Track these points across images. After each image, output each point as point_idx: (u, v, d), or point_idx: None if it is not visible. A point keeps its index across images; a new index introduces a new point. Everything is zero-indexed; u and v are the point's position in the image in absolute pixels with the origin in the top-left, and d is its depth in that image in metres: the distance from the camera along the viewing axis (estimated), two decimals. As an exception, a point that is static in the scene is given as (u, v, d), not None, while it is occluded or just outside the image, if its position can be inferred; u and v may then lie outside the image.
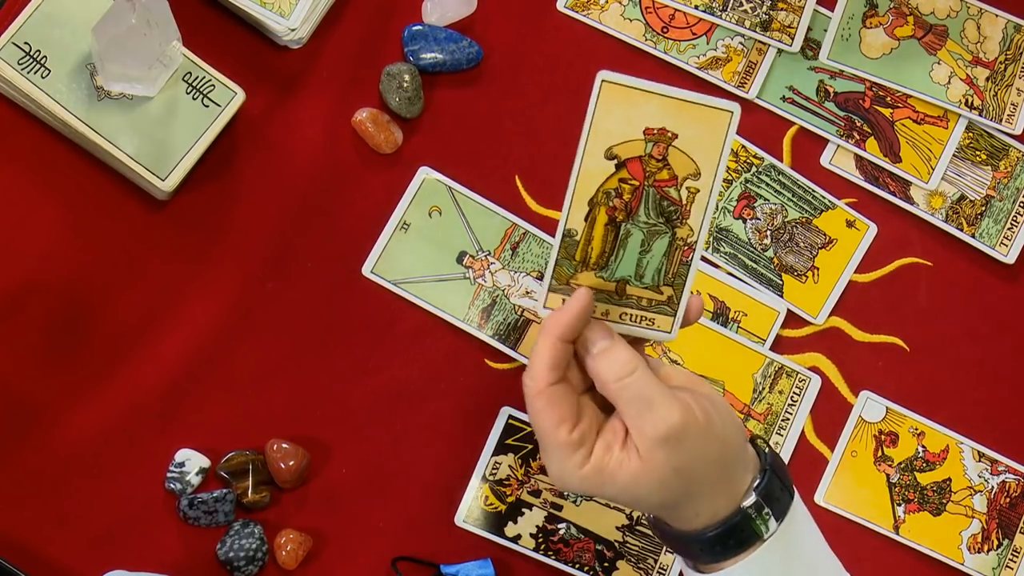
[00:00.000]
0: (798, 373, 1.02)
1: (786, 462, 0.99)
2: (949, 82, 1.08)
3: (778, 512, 0.76)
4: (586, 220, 0.76)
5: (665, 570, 0.98)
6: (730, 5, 1.08)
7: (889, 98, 1.08)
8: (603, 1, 1.08)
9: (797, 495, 0.78)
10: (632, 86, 0.75)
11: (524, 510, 0.97)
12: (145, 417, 0.95)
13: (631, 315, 0.77)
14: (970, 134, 1.08)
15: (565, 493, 0.98)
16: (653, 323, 0.77)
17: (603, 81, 0.75)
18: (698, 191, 0.76)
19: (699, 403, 0.75)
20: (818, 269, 1.05)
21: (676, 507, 0.76)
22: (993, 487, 1.03)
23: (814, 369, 1.03)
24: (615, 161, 0.75)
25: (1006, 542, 1.02)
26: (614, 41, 1.07)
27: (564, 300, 0.76)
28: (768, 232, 1.05)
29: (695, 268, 0.77)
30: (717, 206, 0.96)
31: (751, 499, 0.75)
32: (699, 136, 0.75)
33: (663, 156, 0.75)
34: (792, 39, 1.08)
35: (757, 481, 0.76)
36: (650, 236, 0.76)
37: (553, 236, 1.02)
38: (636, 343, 0.78)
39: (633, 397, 0.73)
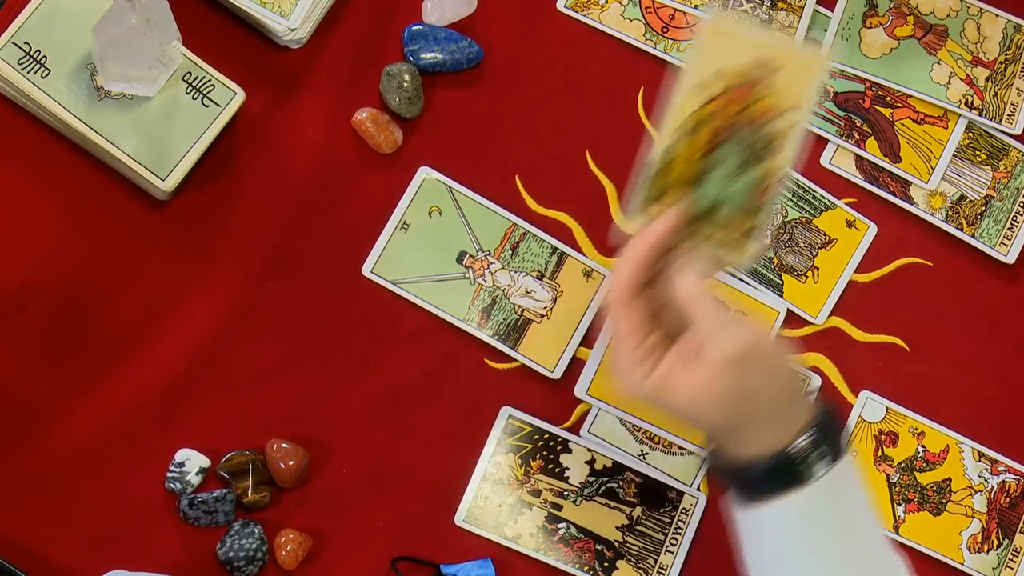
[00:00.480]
0: (798, 373, 1.02)
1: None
2: (949, 82, 1.08)
3: (831, 456, 0.78)
4: (686, 136, 0.79)
5: (665, 570, 0.98)
6: (730, 5, 1.08)
7: (889, 98, 1.08)
8: (603, 1, 1.08)
9: (852, 459, 0.79)
10: (737, 33, 0.79)
11: (524, 510, 0.97)
12: (145, 417, 0.95)
13: (713, 237, 0.80)
14: (970, 134, 1.08)
15: (564, 493, 0.98)
16: (730, 247, 0.80)
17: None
18: (792, 126, 0.78)
19: (767, 334, 0.78)
20: (818, 269, 1.05)
21: (734, 430, 0.78)
22: (993, 487, 1.03)
23: (814, 369, 1.03)
24: (722, 84, 0.78)
25: (1006, 542, 1.02)
26: (614, 41, 1.07)
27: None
28: (768, 232, 1.05)
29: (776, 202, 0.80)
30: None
31: (807, 436, 0.77)
32: (793, 78, 0.78)
33: (763, 88, 0.78)
34: (792, 39, 1.08)
35: (816, 421, 0.78)
36: (744, 162, 0.79)
37: (553, 236, 1.02)
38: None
39: (708, 313, 0.76)
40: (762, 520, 0.79)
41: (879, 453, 1.02)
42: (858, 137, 1.07)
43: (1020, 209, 1.07)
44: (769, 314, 1.03)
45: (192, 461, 0.94)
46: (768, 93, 0.78)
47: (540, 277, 1.01)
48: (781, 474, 0.77)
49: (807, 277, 1.05)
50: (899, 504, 1.01)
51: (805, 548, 0.78)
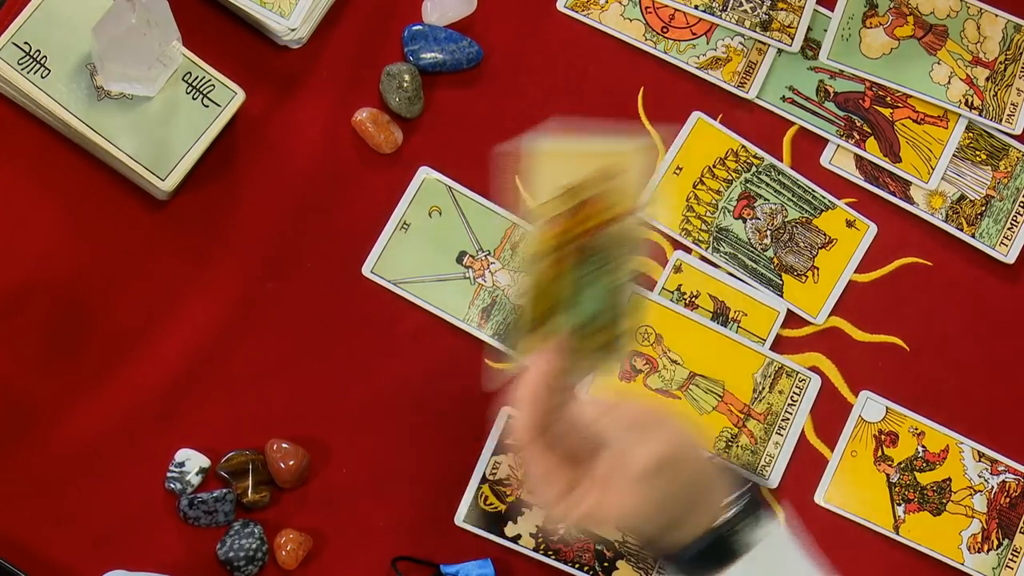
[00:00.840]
0: (798, 373, 1.02)
1: (786, 463, 0.99)
2: (949, 82, 1.08)
3: (759, 520, 0.79)
4: (535, 277, 0.79)
5: (665, 570, 0.98)
6: (730, 5, 1.08)
7: (889, 98, 1.08)
8: (603, 1, 1.08)
9: (780, 520, 0.80)
10: (571, 150, 0.79)
11: (524, 510, 0.97)
12: (145, 417, 0.95)
13: (591, 349, 0.81)
14: (970, 134, 1.08)
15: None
16: (606, 352, 0.81)
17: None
18: (635, 227, 0.79)
19: (676, 437, 0.79)
20: (818, 269, 1.05)
21: (668, 528, 0.78)
22: (993, 487, 1.03)
23: (814, 369, 1.03)
24: (546, 219, 0.78)
25: (1006, 542, 1.02)
26: (614, 41, 1.07)
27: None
28: (768, 232, 1.05)
29: (628, 297, 0.80)
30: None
31: (730, 515, 0.78)
32: (631, 179, 0.78)
33: (585, 209, 0.78)
34: (792, 39, 1.08)
35: (737, 493, 0.79)
36: (608, 270, 0.79)
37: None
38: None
39: (616, 432, 0.78)
40: None
41: (879, 453, 1.02)
42: (858, 137, 1.07)
43: (1020, 209, 1.07)
44: (769, 314, 1.03)
45: (192, 461, 0.94)
46: (612, 202, 0.78)
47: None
48: (717, 551, 0.78)
49: (807, 277, 1.05)
50: (899, 504, 1.01)
51: None
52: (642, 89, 1.06)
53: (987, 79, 1.09)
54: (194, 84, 0.97)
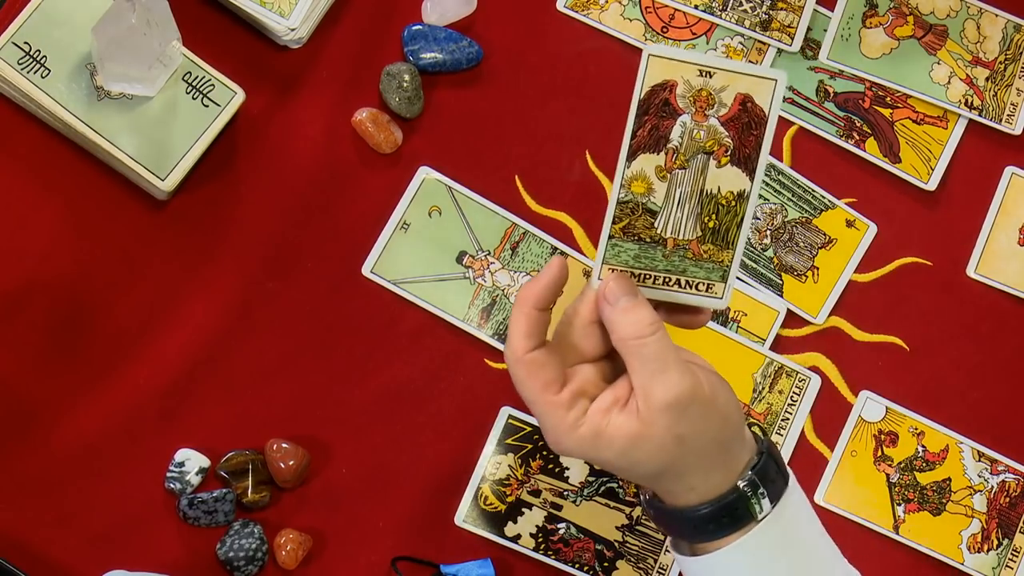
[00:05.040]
0: (798, 373, 1.02)
1: (786, 462, 0.99)
2: (949, 82, 1.08)
3: (773, 494, 0.77)
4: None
5: (665, 570, 0.98)
6: (730, 5, 1.08)
7: (889, 98, 1.08)
8: (603, 1, 1.08)
9: (793, 480, 0.79)
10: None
11: (524, 510, 0.97)
12: (145, 417, 0.95)
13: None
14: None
15: (564, 493, 0.98)
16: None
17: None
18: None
19: (707, 377, 0.76)
20: (818, 269, 1.05)
21: (672, 478, 0.76)
22: (993, 487, 1.03)
23: (814, 369, 1.03)
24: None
25: (1006, 542, 1.02)
26: (614, 41, 1.07)
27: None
28: (768, 232, 1.05)
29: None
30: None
31: (747, 478, 0.76)
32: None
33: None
34: (792, 39, 1.08)
35: (754, 462, 0.77)
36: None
37: (553, 236, 1.02)
38: (659, 308, 0.78)
39: (649, 357, 0.74)
40: (709, 566, 0.78)
41: (879, 453, 1.02)
42: (858, 137, 1.07)
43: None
44: (769, 314, 1.03)
45: (192, 461, 0.94)
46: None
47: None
48: (726, 516, 0.76)
49: (807, 277, 1.05)
50: (899, 504, 1.02)
51: None
52: (642, 89, 1.06)
53: (987, 79, 1.09)
54: (194, 84, 0.97)
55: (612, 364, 0.78)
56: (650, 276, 0.77)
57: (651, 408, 0.73)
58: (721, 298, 0.78)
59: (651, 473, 0.76)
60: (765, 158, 0.76)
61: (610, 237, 0.77)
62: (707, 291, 0.78)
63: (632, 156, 0.76)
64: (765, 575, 0.77)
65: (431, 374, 0.99)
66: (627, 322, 0.75)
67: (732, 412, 0.77)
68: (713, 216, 0.77)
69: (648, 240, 0.77)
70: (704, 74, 0.75)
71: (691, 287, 0.78)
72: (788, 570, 0.78)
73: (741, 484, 0.76)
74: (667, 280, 0.78)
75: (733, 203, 0.77)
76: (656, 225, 0.77)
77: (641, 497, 0.81)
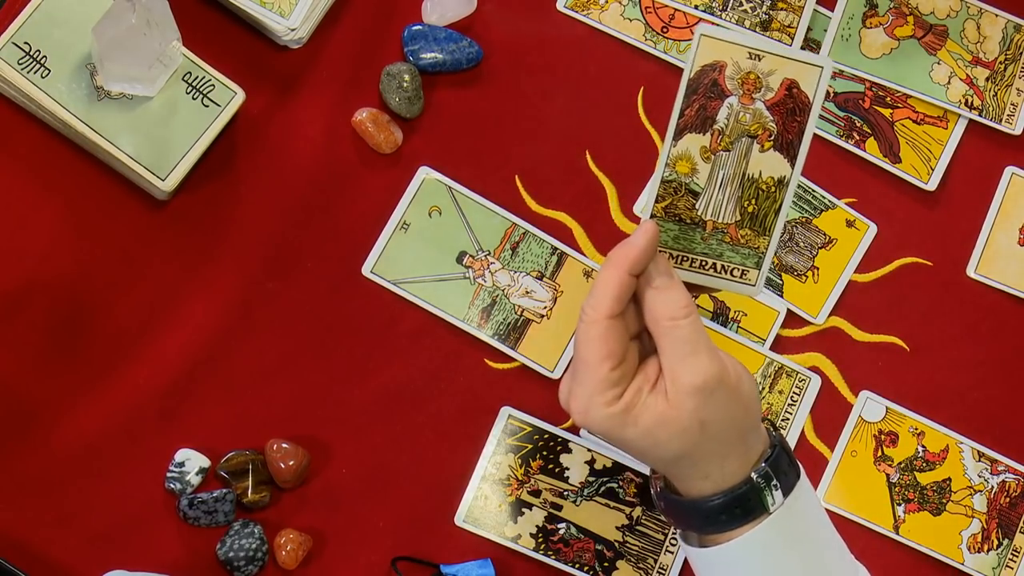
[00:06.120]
0: (798, 373, 1.02)
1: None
2: (949, 82, 1.08)
3: (785, 486, 0.77)
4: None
5: (665, 570, 0.98)
6: (730, 5, 1.08)
7: (889, 98, 1.08)
8: (603, 1, 1.08)
9: (803, 474, 0.79)
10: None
11: (524, 510, 0.97)
12: (145, 417, 0.95)
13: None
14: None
15: (564, 493, 0.98)
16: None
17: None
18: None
19: (733, 365, 0.76)
20: (818, 269, 1.05)
21: (689, 463, 0.76)
22: (993, 487, 1.03)
23: (814, 369, 1.03)
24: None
25: (1006, 542, 1.02)
26: (614, 41, 1.07)
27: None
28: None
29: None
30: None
31: (760, 470, 0.76)
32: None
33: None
34: (792, 39, 1.08)
35: (768, 454, 0.77)
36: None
37: (553, 236, 1.02)
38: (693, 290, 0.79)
39: (680, 339, 0.74)
40: (720, 558, 0.78)
41: (879, 453, 1.02)
42: (858, 137, 1.07)
43: (1020, 209, 1.08)
44: (769, 314, 1.03)
45: (192, 461, 0.94)
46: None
47: (540, 277, 1.01)
48: (739, 507, 0.76)
49: (807, 277, 1.05)
50: (899, 504, 1.02)
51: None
52: (642, 89, 1.06)
53: (987, 79, 1.09)
54: (194, 84, 0.97)
55: (640, 344, 0.78)
56: (687, 258, 0.78)
57: (679, 391, 0.74)
58: (754, 285, 0.78)
59: (670, 457, 0.76)
60: (807, 146, 0.77)
61: (652, 216, 0.77)
62: (741, 277, 0.78)
63: (679, 135, 0.76)
64: (776, 567, 0.77)
65: (431, 374, 0.99)
66: (662, 301, 0.75)
67: (753, 402, 0.77)
68: (753, 201, 0.77)
69: (688, 221, 0.77)
70: (753, 57, 0.76)
71: (726, 272, 0.78)
72: (799, 563, 0.78)
73: (755, 476, 0.76)
74: (703, 264, 0.78)
75: (773, 189, 0.77)
76: (697, 207, 0.77)
77: (652, 489, 0.82)
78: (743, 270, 0.78)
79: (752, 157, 0.77)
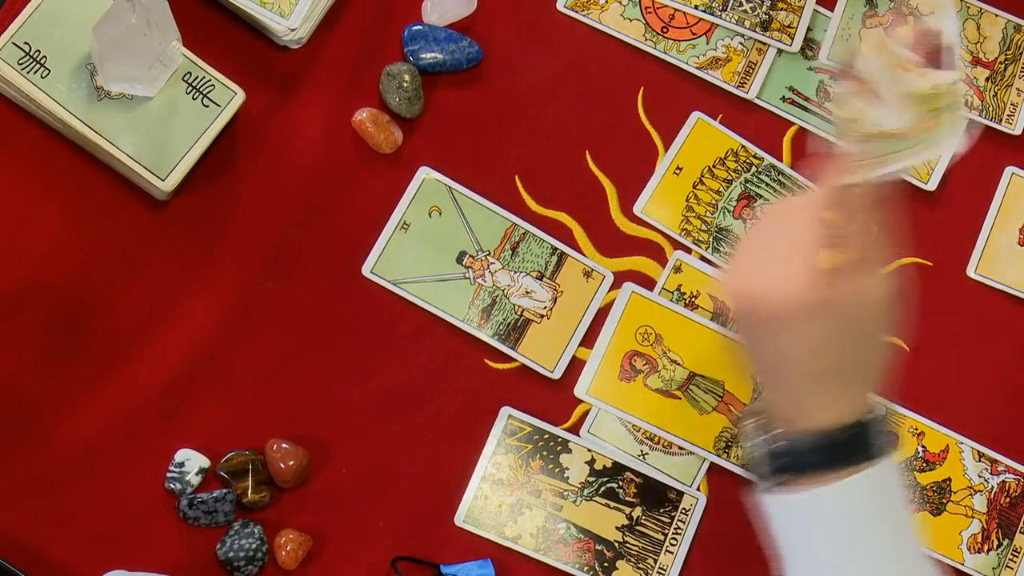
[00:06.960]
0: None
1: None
2: (949, 82, 1.08)
3: (889, 444, 0.78)
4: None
5: (665, 570, 0.98)
6: (730, 5, 1.08)
7: (889, 98, 1.08)
8: (603, 1, 1.08)
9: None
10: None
11: (524, 510, 0.97)
12: (145, 417, 0.95)
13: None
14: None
15: (564, 493, 0.98)
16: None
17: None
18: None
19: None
20: (818, 269, 1.05)
21: (829, 381, 0.77)
22: (993, 487, 1.03)
23: (814, 369, 1.03)
24: None
25: (1006, 542, 1.02)
26: (614, 41, 1.07)
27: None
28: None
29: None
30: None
31: (879, 409, 0.77)
32: None
33: None
34: (792, 39, 1.08)
35: (879, 411, 0.78)
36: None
37: (553, 236, 1.02)
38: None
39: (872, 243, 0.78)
40: (820, 503, 0.77)
41: (879, 453, 1.02)
42: (858, 137, 1.07)
43: (1020, 209, 1.07)
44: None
45: (192, 461, 0.94)
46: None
47: (540, 277, 1.01)
48: (853, 447, 0.76)
49: (807, 277, 1.04)
50: (899, 504, 1.01)
51: (865, 533, 0.76)
52: (642, 89, 1.06)
53: (987, 79, 1.09)
54: (194, 84, 0.97)
55: None
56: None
57: (869, 299, 0.77)
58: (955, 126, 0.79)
59: (825, 367, 0.77)
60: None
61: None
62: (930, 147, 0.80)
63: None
64: (873, 520, 0.77)
65: (431, 374, 0.99)
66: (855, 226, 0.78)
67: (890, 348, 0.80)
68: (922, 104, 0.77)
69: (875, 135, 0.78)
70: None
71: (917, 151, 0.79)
72: (894, 520, 0.78)
73: (873, 415, 0.77)
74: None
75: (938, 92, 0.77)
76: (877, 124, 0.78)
77: (753, 437, 0.80)
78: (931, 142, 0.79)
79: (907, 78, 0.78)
